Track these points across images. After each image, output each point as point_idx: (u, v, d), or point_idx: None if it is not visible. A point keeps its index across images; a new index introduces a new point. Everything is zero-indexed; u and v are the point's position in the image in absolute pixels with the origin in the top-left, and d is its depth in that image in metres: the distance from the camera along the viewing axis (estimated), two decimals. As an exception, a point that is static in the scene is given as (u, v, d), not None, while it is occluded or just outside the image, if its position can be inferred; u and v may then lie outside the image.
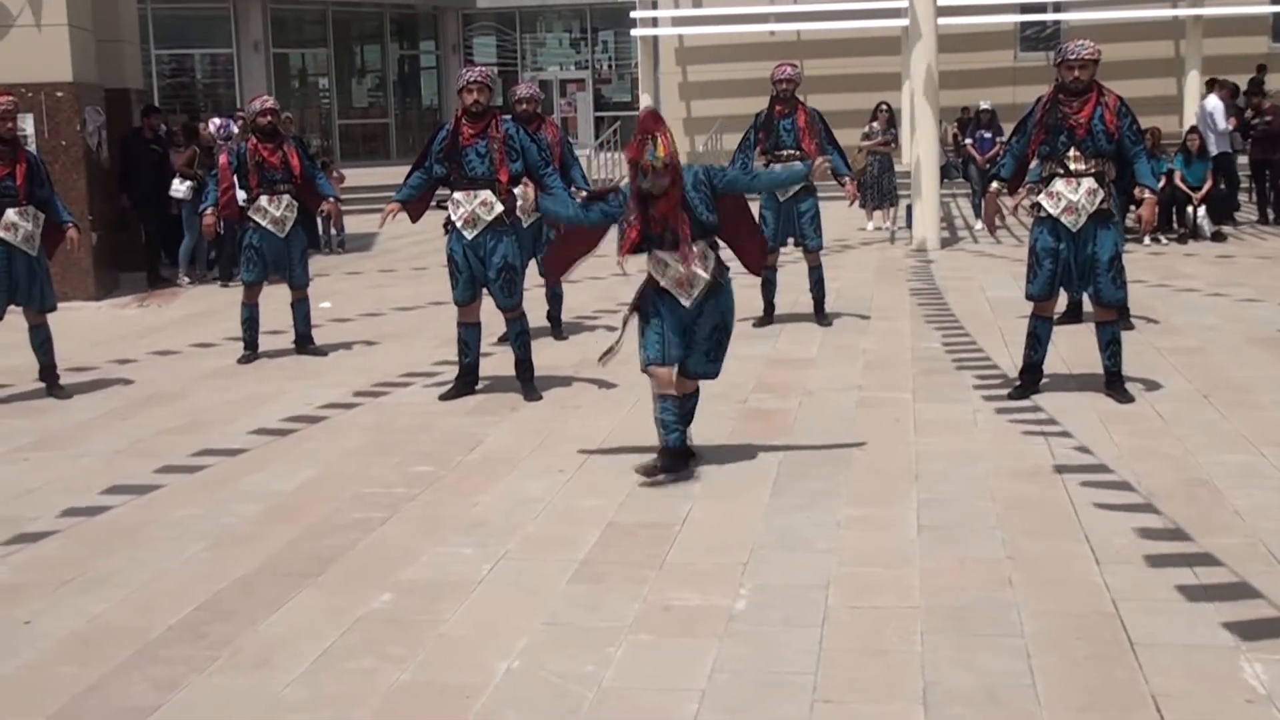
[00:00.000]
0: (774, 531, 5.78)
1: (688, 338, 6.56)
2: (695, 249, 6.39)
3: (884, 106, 18.91)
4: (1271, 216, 17.85)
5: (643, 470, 6.57)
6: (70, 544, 5.92)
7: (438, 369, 9.34)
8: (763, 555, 5.48)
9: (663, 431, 6.60)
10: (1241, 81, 19.02)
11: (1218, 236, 16.29)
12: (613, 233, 6.78)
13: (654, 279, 6.51)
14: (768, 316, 10.86)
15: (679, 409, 6.63)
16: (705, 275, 6.44)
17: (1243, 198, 18.62)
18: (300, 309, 10.25)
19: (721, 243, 6.64)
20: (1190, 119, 21.51)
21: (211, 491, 6.66)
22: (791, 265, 12.07)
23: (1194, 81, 23.86)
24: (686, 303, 6.44)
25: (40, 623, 4.99)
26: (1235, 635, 4.53)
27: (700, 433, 7.50)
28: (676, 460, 6.60)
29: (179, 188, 14.79)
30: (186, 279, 14.85)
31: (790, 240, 10.96)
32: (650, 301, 6.55)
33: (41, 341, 9.01)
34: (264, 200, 9.93)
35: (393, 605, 5.07)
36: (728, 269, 6.61)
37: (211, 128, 16.80)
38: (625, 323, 6.74)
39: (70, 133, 13.61)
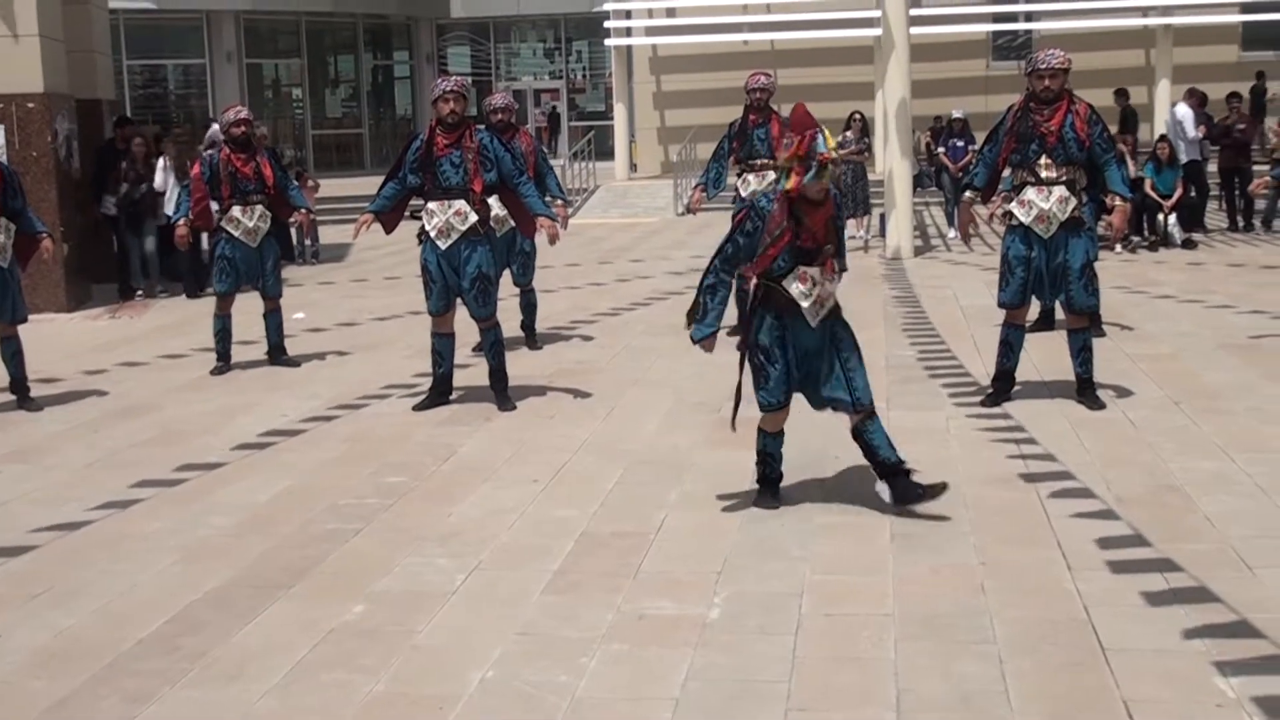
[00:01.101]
0: (748, 539, 5.78)
1: (814, 363, 6.07)
2: (832, 273, 6.02)
3: (857, 116, 18.94)
4: (1241, 224, 17.99)
5: (760, 504, 6.22)
6: (41, 557, 5.88)
7: (412, 380, 9.32)
8: (737, 563, 5.48)
9: (770, 466, 6.29)
10: (1214, 90, 19.14)
11: (1188, 244, 16.39)
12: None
13: (778, 300, 5.95)
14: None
15: (781, 440, 6.29)
16: (837, 294, 6.14)
17: (1212, 205, 18.76)
18: (273, 320, 10.22)
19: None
20: (1161, 127, 21.66)
21: (185, 504, 6.63)
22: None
23: (1164, 90, 24.05)
24: (814, 322, 5.98)
25: (10, 637, 4.96)
26: (1206, 641, 4.56)
27: (675, 441, 7.52)
28: (775, 490, 6.29)
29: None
30: (141, 293, 14.69)
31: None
32: (760, 332, 6.03)
33: (13, 354, 8.96)
34: (237, 210, 9.90)
35: (366, 616, 5.05)
36: None
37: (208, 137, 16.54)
38: (741, 369, 6.16)
39: (41, 144, 13.55)
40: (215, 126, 16.40)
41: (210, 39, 30.56)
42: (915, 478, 6.07)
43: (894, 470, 6.07)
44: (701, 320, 6.04)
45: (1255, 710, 4.04)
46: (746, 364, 6.12)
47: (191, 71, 31.47)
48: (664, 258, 16.94)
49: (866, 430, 6.10)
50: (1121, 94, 20.95)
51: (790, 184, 5.80)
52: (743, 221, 5.98)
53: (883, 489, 6.09)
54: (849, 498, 6.37)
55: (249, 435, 7.97)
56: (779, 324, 6.00)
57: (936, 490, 6.02)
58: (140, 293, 14.69)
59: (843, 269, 6.11)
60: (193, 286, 14.55)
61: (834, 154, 5.79)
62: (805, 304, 5.93)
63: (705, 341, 6.05)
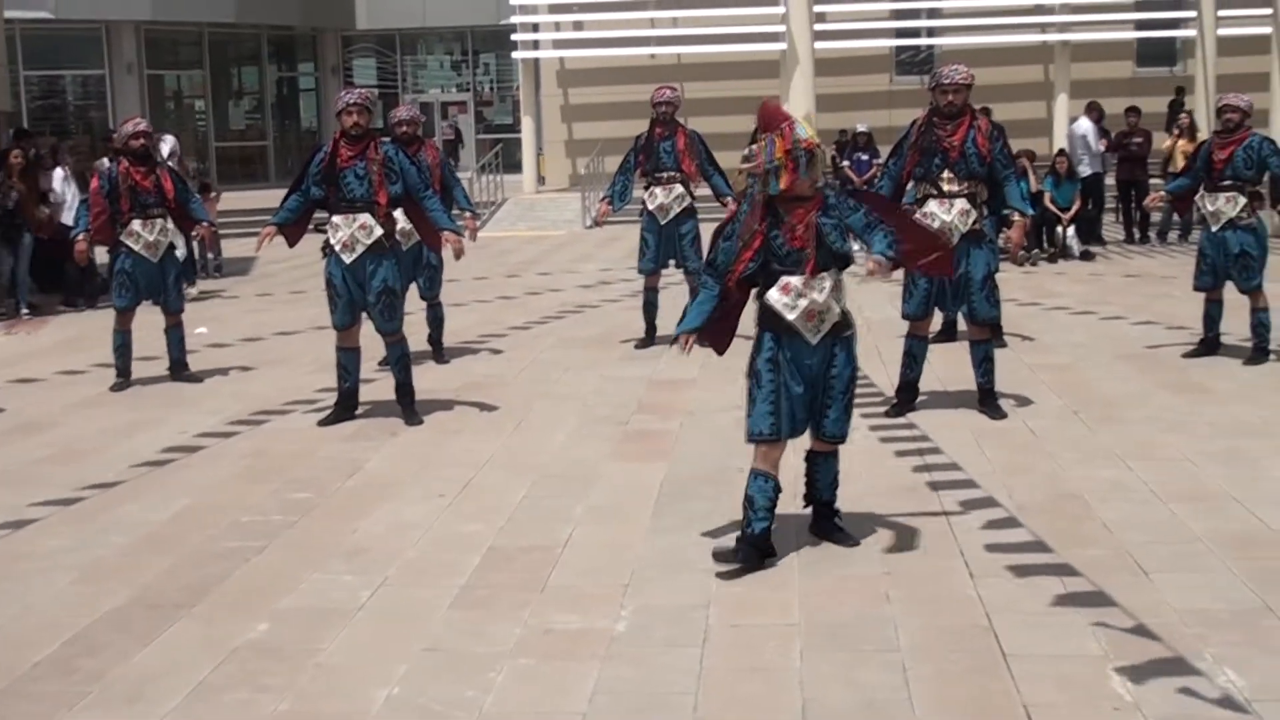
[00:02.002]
0: (655, 552, 5.79)
1: (814, 392, 5.58)
2: (828, 279, 5.47)
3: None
4: (1137, 236, 18.38)
5: (720, 556, 5.52)
6: (-67, 579, 5.74)
7: (317, 395, 9.22)
8: (644, 576, 5.49)
9: (751, 515, 5.55)
10: (1111, 105, 19.54)
11: (1086, 256, 16.72)
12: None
13: (772, 318, 5.53)
14: (649, 338, 10.90)
15: (774, 491, 5.58)
16: (837, 309, 5.52)
17: (1109, 218, 19.15)
18: (174, 335, 10.05)
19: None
20: (1060, 141, 22.08)
21: (83, 522, 6.50)
22: (674, 286, 12.13)
23: (1063, 105, 24.53)
24: (814, 339, 5.49)
25: (-100, 661, 4.83)
26: (1103, 645, 4.65)
27: (583, 454, 7.52)
28: (756, 552, 5.54)
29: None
30: (27, 311, 14.27)
31: (671, 262, 11.02)
32: (765, 361, 5.55)
33: (-97, 371, 8.74)
34: (136, 224, 9.74)
35: (270, 635, 4.99)
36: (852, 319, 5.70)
37: (165, 148, 16.11)
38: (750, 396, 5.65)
39: (-66, 156, 13.24)
40: (167, 143, 16.00)
41: (110, 49, 30.03)
42: (840, 522, 5.87)
43: (823, 512, 5.88)
44: (682, 319, 5.84)
45: (1151, 713, 4.13)
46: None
47: (90, 82, 30.91)
48: (572, 270, 16.94)
49: (819, 462, 5.80)
50: (1178, 100, 21.08)
51: (784, 183, 5.42)
52: (724, 226, 5.69)
53: (809, 512, 5.93)
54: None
55: (149, 452, 7.84)
56: (775, 344, 5.54)
57: (852, 541, 5.79)
58: (26, 310, 14.29)
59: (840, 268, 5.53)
60: (75, 299, 14.31)
61: (816, 140, 5.49)
62: (791, 316, 5.47)
63: (682, 337, 5.68)
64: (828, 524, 5.87)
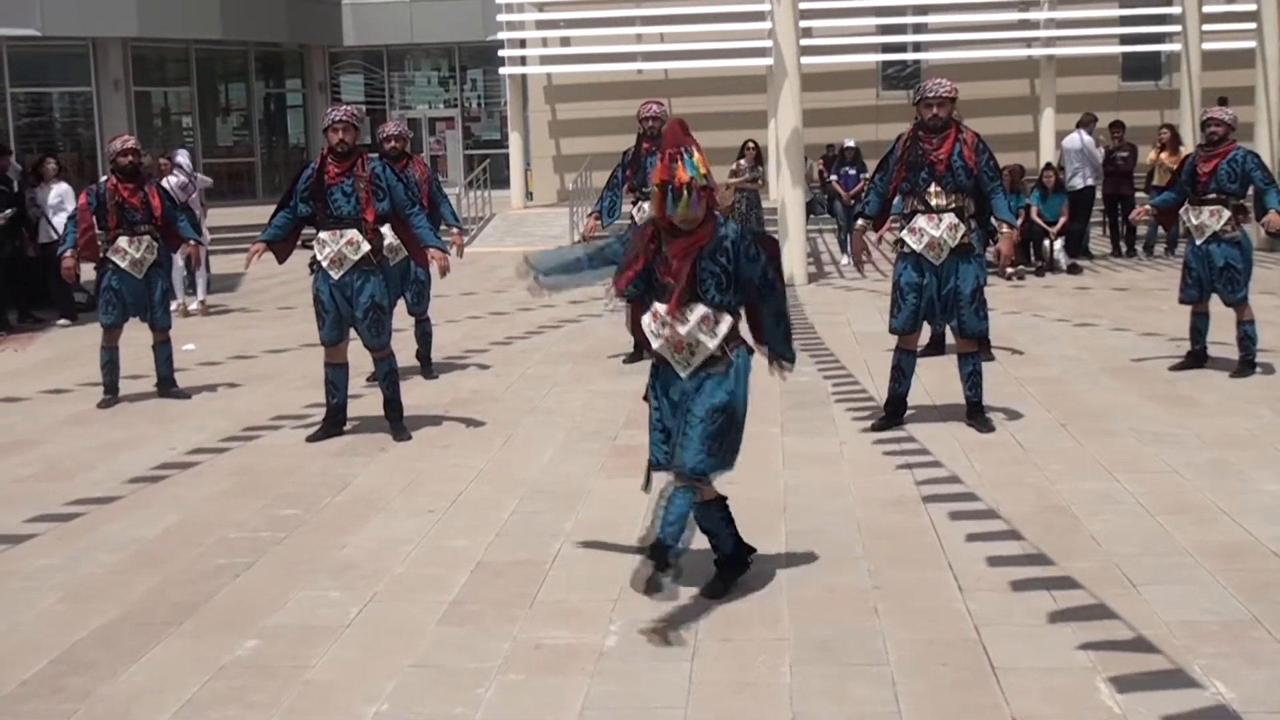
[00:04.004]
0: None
1: (679, 426, 5.23)
2: (698, 311, 5.13)
3: (751, 144, 19.15)
4: (1124, 249, 18.44)
5: (645, 585, 5.00)
6: (-81, 598, 5.71)
7: (305, 411, 9.20)
8: (633, 591, 5.47)
9: (712, 541, 5.49)
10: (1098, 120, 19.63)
11: (1073, 269, 16.77)
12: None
13: (649, 346, 5.33)
14: (638, 353, 10.91)
15: (705, 512, 5.34)
16: (710, 344, 5.17)
17: (1095, 231, 19.21)
18: (162, 351, 10.04)
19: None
20: (1046, 154, 22.15)
21: (70, 540, 6.48)
22: (661, 301, 12.13)
23: (1049, 118, 24.60)
24: (683, 372, 5.20)
25: (-114, 681, 4.81)
26: (1092, 657, 4.65)
27: (571, 469, 7.51)
28: (735, 566, 5.49)
29: None
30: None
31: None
32: (650, 389, 5.37)
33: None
34: (123, 241, 9.72)
35: (258, 652, 4.97)
36: (749, 350, 5.38)
37: (183, 160, 16.10)
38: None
39: (-80, 173, 13.20)
40: (181, 158, 16.01)
41: (97, 66, 29.99)
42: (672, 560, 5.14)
43: (659, 553, 5.07)
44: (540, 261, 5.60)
45: (1140, 725, 4.13)
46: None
47: (78, 99, 30.86)
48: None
49: (672, 494, 5.15)
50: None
51: (654, 210, 5.16)
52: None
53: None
54: (743, 524, 6.38)
55: (137, 469, 7.82)
56: (654, 372, 5.35)
57: (721, 591, 5.38)
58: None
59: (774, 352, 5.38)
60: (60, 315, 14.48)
61: (699, 178, 5.03)
62: (655, 344, 5.24)
63: (532, 286, 5.56)
64: (720, 583, 5.42)
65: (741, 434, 5.32)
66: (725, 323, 5.18)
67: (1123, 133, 18.55)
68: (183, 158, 16.06)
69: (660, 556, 4.99)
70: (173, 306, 11.43)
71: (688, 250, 5.11)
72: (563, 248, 5.74)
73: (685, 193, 5.02)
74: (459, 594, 5.52)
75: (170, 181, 14.97)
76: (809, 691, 4.46)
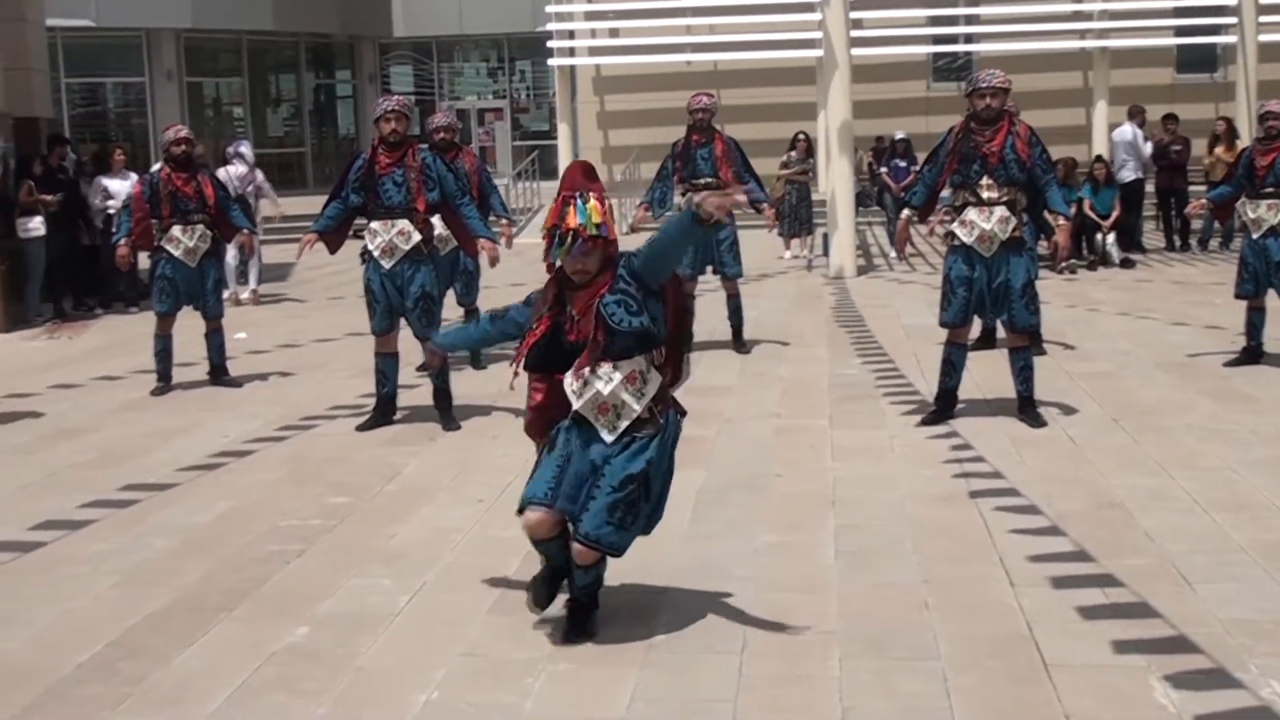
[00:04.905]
0: (692, 558, 5.78)
1: (589, 484, 4.76)
2: (623, 369, 4.71)
3: (801, 136, 19.10)
4: (1178, 244, 18.25)
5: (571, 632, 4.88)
6: (-24, 581, 5.79)
7: (356, 400, 9.25)
8: (681, 582, 5.48)
9: (529, 594, 5.05)
10: (1150, 112, 19.40)
11: (1126, 263, 16.61)
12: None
13: (569, 407, 4.81)
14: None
15: (554, 573, 4.98)
16: (636, 406, 4.74)
17: (1149, 225, 19.01)
18: (214, 340, 10.13)
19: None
20: (1099, 147, 21.94)
21: (124, 526, 6.54)
22: (710, 293, 12.12)
23: (1102, 111, 24.38)
24: (609, 437, 4.75)
25: (-55, 663, 4.87)
26: (1146, 655, 4.60)
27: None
28: (583, 624, 4.93)
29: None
30: (40, 316, 14.38)
31: (709, 268, 11.01)
32: (564, 429, 4.84)
33: (-53, 375, 8.83)
34: (177, 230, 9.81)
35: (309, 639, 5.01)
36: (679, 411, 5.00)
37: (245, 150, 16.30)
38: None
39: (-23, 162, 13.38)
40: (243, 149, 16.21)
41: (150, 57, 30.27)
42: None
43: (575, 611, 4.93)
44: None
45: (1194, 724, 4.09)
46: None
47: (131, 90, 31.16)
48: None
49: (588, 574, 4.87)
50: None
51: (545, 258, 4.77)
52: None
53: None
54: (792, 516, 6.39)
55: (190, 456, 7.88)
56: (573, 428, 4.82)
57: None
58: (40, 316, 14.36)
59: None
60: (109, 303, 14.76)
61: (590, 226, 4.64)
62: (576, 404, 4.76)
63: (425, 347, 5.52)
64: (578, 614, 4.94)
65: (660, 504, 4.93)
66: (653, 383, 4.78)
67: (1176, 126, 18.34)
68: (245, 148, 16.25)
69: (583, 618, 4.91)
70: (225, 295, 11.54)
71: (590, 302, 4.70)
72: (465, 326, 5.71)
73: (570, 239, 4.64)
74: (508, 583, 5.53)
75: (230, 171, 15.14)
76: (858, 685, 4.44)
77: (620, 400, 4.72)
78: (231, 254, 14.14)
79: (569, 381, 4.78)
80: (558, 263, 4.70)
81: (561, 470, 4.76)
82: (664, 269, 4.78)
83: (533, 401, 5.05)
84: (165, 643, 4.98)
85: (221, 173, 14.70)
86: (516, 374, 4.94)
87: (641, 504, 4.78)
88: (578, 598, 4.93)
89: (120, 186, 14.93)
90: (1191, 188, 18.24)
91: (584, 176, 4.81)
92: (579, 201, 4.67)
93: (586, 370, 4.71)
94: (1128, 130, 18.18)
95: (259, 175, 16.15)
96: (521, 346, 4.85)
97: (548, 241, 4.72)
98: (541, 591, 5.03)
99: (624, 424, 4.74)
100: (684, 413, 5.04)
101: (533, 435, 5.11)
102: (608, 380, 4.71)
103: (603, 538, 4.71)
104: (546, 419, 4.97)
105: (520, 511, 4.83)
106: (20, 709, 4.45)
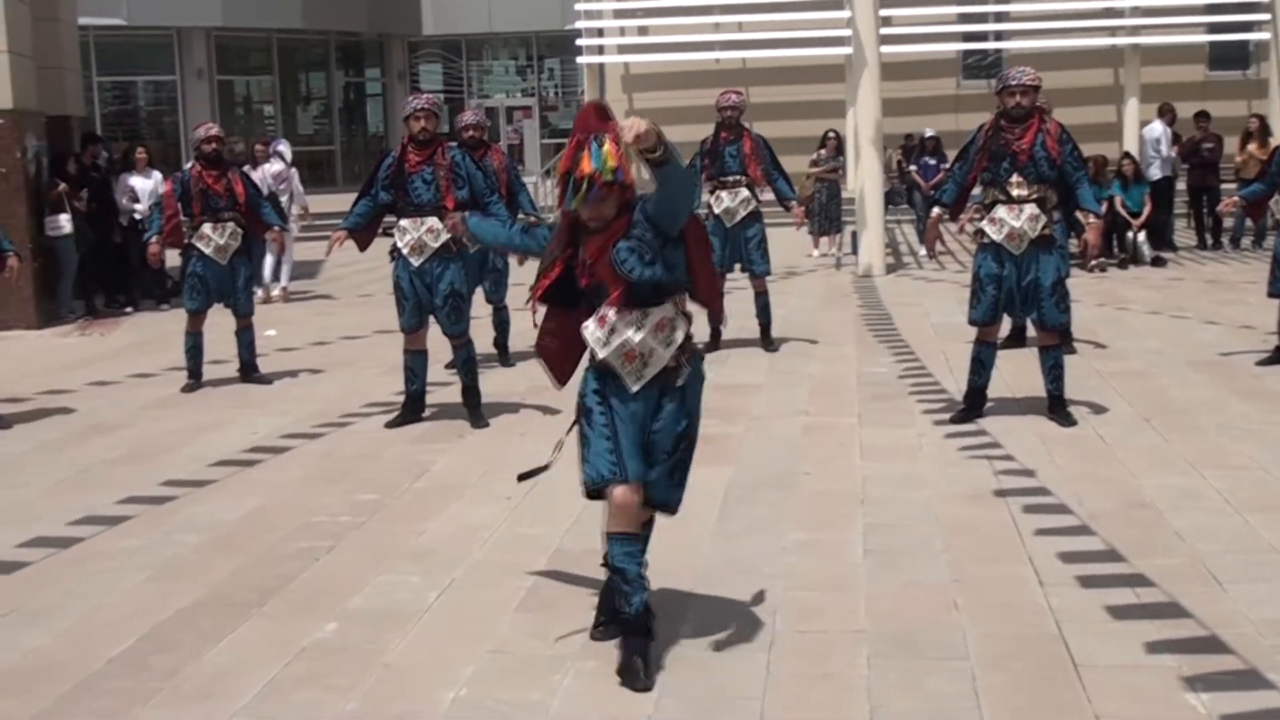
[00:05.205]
0: (720, 556, 5.78)
1: (646, 447, 4.65)
2: (653, 316, 4.57)
3: (832, 134, 19.05)
4: (1210, 242, 18.13)
5: (629, 675, 4.51)
6: (7, 576, 5.83)
7: (385, 397, 9.28)
8: (709, 580, 5.48)
9: (624, 590, 4.62)
10: (1182, 109, 19.27)
11: (1157, 261, 16.50)
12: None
13: (593, 356, 4.66)
14: (714, 342, 10.89)
15: (637, 551, 4.69)
16: (664, 353, 4.61)
17: (1180, 224, 18.89)
18: (244, 337, 10.18)
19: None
20: (1129, 145, 21.80)
21: (154, 522, 6.58)
22: (739, 291, 12.10)
23: (1133, 109, 24.21)
24: (633, 387, 4.58)
25: (-22, 657, 4.92)
26: (1176, 656, 4.58)
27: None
28: (641, 638, 4.63)
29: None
30: (72, 314, 14.40)
31: (737, 266, 11.00)
32: (591, 394, 4.67)
33: (-19, 371, 8.90)
34: (207, 228, 9.86)
35: (338, 635, 5.03)
36: (700, 354, 4.87)
37: (284, 150, 16.46)
38: (564, 438, 4.89)
39: (11, 160, 13.47)
40: (281, 147, 16.38)
41: (181, 55, 30.45)
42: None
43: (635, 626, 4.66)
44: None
45: (1226, 725, 4.07)
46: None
47: (162, 88, 31.34)
48: (636, 275, 16.92)
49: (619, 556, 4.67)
50: None
51: (556, 202, 4.53)
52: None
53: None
54: (820, 515, 6.38)
55: (220, 453, 7.92)
56: (599, 382, 4.66)
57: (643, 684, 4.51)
58: (73, 314, 14.41)
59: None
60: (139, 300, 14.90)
61: (605, 171, 4.40)
62: (602, 353, 4.58)
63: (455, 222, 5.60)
64: (634, 641, 4.62)
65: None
66: (681, 329, 4.63)
67: (1208, 123, 18.22)
68: (283, 147, 16.41)
69: (643, 622, 4.66)
70: (258, 294, 11.60)
71: (602, 249, 4.53)
72: (500, 226, 5.83)
73: (585, 186, 4.41)
74: (536, 581, 5.55)
75: (267, 169, 15.26)
76: (886, 685, 4.43)
77: (650, 348, 4.57)
78: (271, 251, 14.33)
79: (591, 329, 4.61)
80: (572, 208, 4.50)
81: (614, 439, 4.58)
82: (675, 215, 4.56)
83: (544, 327, 4.87)
84: (195, 638, 5.01)
85: (258, 172, 14.84)
86: (535, 312, 4.83)
87: (690, 458, 4.76)
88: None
89: (144, 184, 15.04)
90: (1223, 185, 18.11)
91: (598, 118, 4.52)
92: (594, 145, 4.42)
93: (613, 315, 4.56)
94: (1157, 127, 18.08)
95: (294, 175, 16.26)
96: (536, 289, 4.74)
97: (561, 188, 4.51)
98: (639, 645, 4.62)
99: (650, 372, 4.59)
100: (703, 357, 4.93)
101: (545, 358, 4.94)
102: (637, 327, 4.55)
103: (671, 501, 4.72)
104: (560, 342, 4.85)
105: (594, 495, 4.65)
106: (52, 702, 4.49)
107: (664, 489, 4.67)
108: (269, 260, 15.08)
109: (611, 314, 4.57)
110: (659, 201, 4.53)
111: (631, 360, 4.58)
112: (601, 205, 4.46)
